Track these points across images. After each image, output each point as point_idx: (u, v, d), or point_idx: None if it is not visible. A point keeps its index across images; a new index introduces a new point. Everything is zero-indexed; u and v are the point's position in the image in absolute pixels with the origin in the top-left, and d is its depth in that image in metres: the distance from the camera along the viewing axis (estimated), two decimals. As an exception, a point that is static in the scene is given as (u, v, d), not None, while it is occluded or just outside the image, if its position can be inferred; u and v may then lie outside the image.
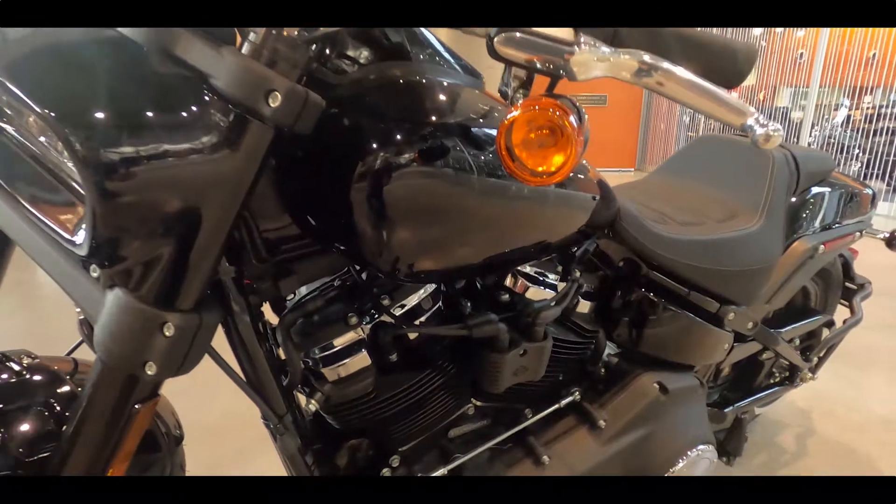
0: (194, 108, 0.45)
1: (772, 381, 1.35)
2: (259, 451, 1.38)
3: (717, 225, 1.02)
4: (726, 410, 1.18)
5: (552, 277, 0.79)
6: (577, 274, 0.81)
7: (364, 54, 0.59)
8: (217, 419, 1.52)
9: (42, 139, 0.47)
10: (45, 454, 0.56)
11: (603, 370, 0.94)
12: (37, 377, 0.63)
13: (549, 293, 0.78)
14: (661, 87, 0.52)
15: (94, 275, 0.48)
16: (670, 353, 0.95)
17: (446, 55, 0.64)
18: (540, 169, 0.53)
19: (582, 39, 0.52)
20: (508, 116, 0.52)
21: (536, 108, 0.51)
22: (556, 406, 0.85)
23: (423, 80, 0.58)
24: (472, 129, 0.60)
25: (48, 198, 0.51)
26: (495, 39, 0.52)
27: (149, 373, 0.48)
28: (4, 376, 0.62)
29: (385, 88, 0.57)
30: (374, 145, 0.54)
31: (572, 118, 0.52)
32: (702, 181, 1.18)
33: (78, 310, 0.58)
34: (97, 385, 0.50)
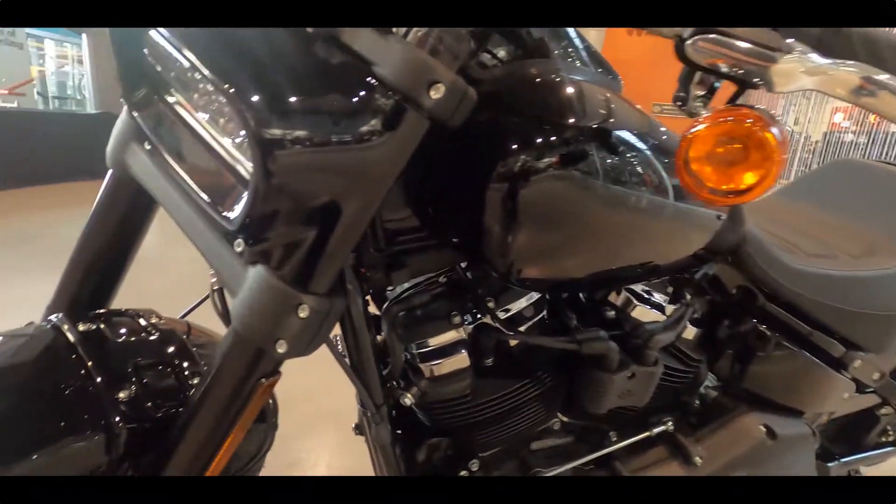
0: (356, 96, 0.45)
1: (885, 440, 1.16)
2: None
3: (853, 260, 0.93)
4: (830, 465, 1.04)
5: (659, 297, 0.75)
6: (689, 297, 0.77)
7: (506, 50, 0.58)
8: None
9: (204, 115, 0.49)
10: (171, 410, 0.60)
11: (698, 402, 0.87)
12: (163, 336, 0.67)
13: (656, 314, 0.73)
14: (880, 105, 0.43)
15: (238, 249, 0.48)
16: (778, 394, 0.87)
17: (585, 53, 0.62)
18: (726, 187, 0.48)
19: (791, 46, 0.45)
20: (696, 128, 0.47)
21: (730, 119, 0.46)
22: (647, 434, 0.80)
23: (564, 80, 0.55)
24: (610, 133, 0.57)
25: (204, 171, 0.51)
26: (688, 42, 0.46)
27: (278, 350, 0.49)
28: (137, 333, 0.66)
29: (526, 86, 0.55)
30: (515, 146, 0.53)
31: (774, 130, 0.45)
32: (835, 209, 1.05)
33: (213, 280, 0.62)
34: (228, 354, 0.52)
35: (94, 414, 0.57)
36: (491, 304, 0.67)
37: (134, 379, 0.61)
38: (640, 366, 0.72)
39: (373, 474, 0.78)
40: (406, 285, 0.69)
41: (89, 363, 0.60)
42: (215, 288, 0.62)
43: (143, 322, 0.68)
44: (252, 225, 0.46)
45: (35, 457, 0.53)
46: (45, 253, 2.54)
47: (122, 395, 0.59)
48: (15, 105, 6.68)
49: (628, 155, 0.58)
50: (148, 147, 0.58)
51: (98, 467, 0.56)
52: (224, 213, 0.48)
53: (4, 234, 2.75)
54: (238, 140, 0.47)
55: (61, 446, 0.54)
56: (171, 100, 0.53)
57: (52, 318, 0.66)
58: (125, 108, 0.58)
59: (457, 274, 0.69)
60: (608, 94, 0.59)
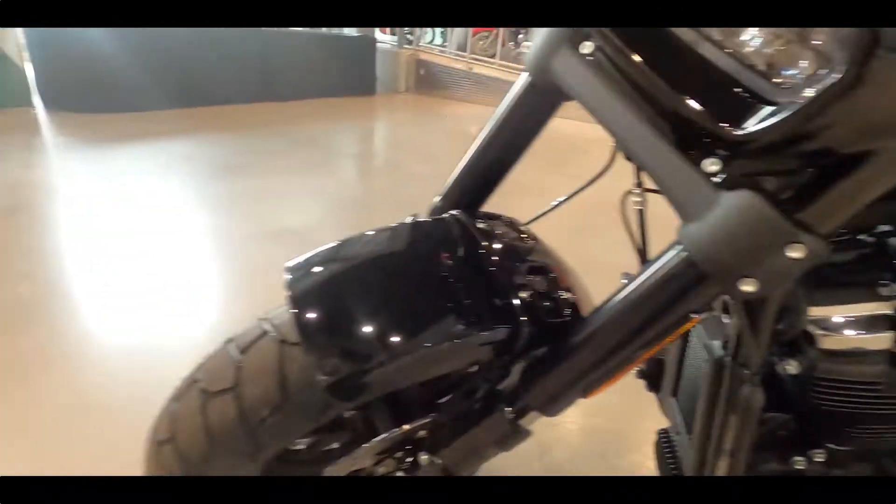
0: None
1: None
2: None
3: None
4: None
5: None
6: None
7: None
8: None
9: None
10: (564, 319, 0.62)
11: None
12: (538, 244, 0.70)
13: None
14: None
15: (713, 168, 0.44)
16: None
17: None
18: None
19: None
20: None
21: None
22: None
23: None
24: None
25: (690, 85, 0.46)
26: None
27: (742, 288, 0.44)
28: (517, 237, 0.69)
29: None
30: None
31: None
32: None
33: (636, 198, 0.62)
34: (667, 277, 0.50)
35: (503, 308, 0.60)
36: None
37: (531, 281, 0.63)
38: None
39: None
40: None
41: (496, 259, 0.62)
42: (637, 204, 0.61)
43: (515, 228, 0.70)
44: (765, 142, 0.41)
45: (444, 345, 0.57)
46: (326, 154, 3.27)
47: (523, 294, 0.61)
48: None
49: None
50: (586, 51, 0.53)
51: (497, 356, 0.60)
52: (718, 125, 0.44)
53: (293, 137, 3.42)
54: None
55: (468, 334, 0.58)
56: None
57: (452, 213, 0.70)
58: None
59: (889, 235, 0.59)
60: None
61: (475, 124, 4.30)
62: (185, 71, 3.80)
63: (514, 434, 0.67)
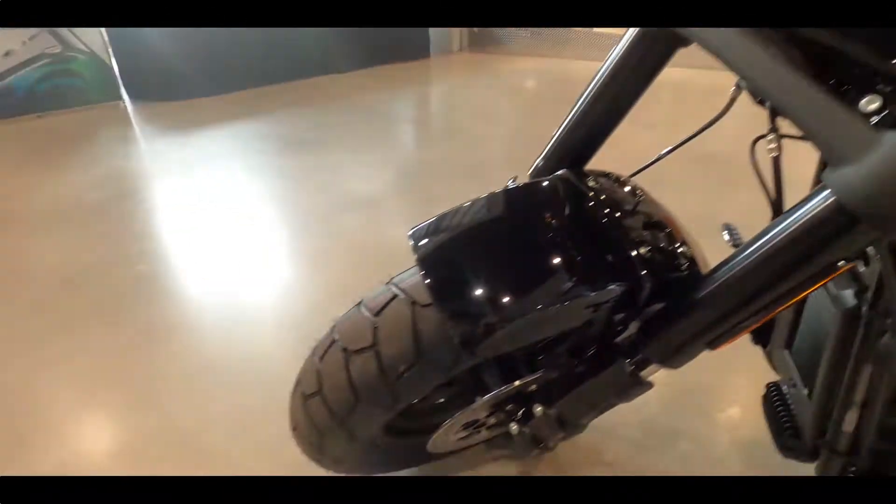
0: None
1: None
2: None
3: None
4: None
5: None
6: None
7: None
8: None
9: None
10: (684, 272, 0.64)
11: None
12: (647, 200, 0.71)
13: None
14: None
15: (871, 107, 0.43)
16: None
17: None
18: None
19: None
20: None
21: None
22: None
23: None
24: None
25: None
26: None
27: None
28: (623, 193, 0.70)
29: None
30: None
31: None
32: None
33: (771, 144, 0.59)
34: (818, 222, 0.47)
35: (624, 265, 0.63)
36: None
37: (647, 236, 0.65)
38: None
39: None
40: None
41: (611, 216, 0.64)
42: (773, 152, 0.58)
43: (624, 184, 0.72)
44: None
45: (571, 302, 0.59)
46: (388, 122, 3.38)
47: (642, 249, 0.64)
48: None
49: None
50: None
51: (618, 308, 0.63)
52: (881, 58, 0.41)
53: (355, 108, 3.56)
54: None
55: (592, 291, 0.60)
56: None
57: (559, 173, 0.73)
58: None
59: None
60: None
61: (534, 79, 4.15)
62: (249, 53, 3.94)
63: (634, 386, 0.70)
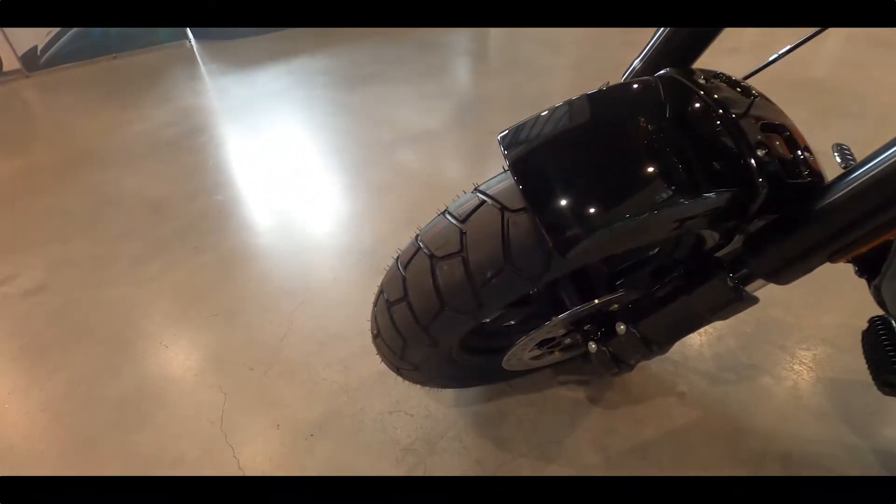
0: None
1: None
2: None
3: None
4: None
5: None
6: None
7: None
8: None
9: None
10: (805, 180, 0.59)
11: None
12: (763, 100, 0.66)
13: None
14: None
15: None
16: None
17: None
18: None
19: None
20: None
21: None
22: None
23: None
24: None
25: None
26: None
27: None
28: (738, 94, 0.65)
29: None
30: None
31: None
32: None
33: None
34: None
35: (737, 168, 0.58)
36: None
37: (765, 139, 0.61)
38: None
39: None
40: None
41: (725, 116, 0.59)
42: None
43: (737, 84, 0.67)
44: None
45: (673, 208, 0.56)
46: (450, 55, 3.31)
47: (759, 153, 0.59)
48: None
49: None
50: None
51: (733, 215, 0.59)
52: None
53: (416, 42, 3.50)
54: None
55: (699, 196, 0.57)
56: None
57: (665, 71, 0.69)
58: None
59: None
60: None
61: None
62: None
63: (737, 300, 0.67)
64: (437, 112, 2.55)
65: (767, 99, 0.69)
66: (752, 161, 0.59)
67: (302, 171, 2.17)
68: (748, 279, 0.65)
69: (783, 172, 0.60)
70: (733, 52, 2.72)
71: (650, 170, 0.59)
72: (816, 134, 2.00)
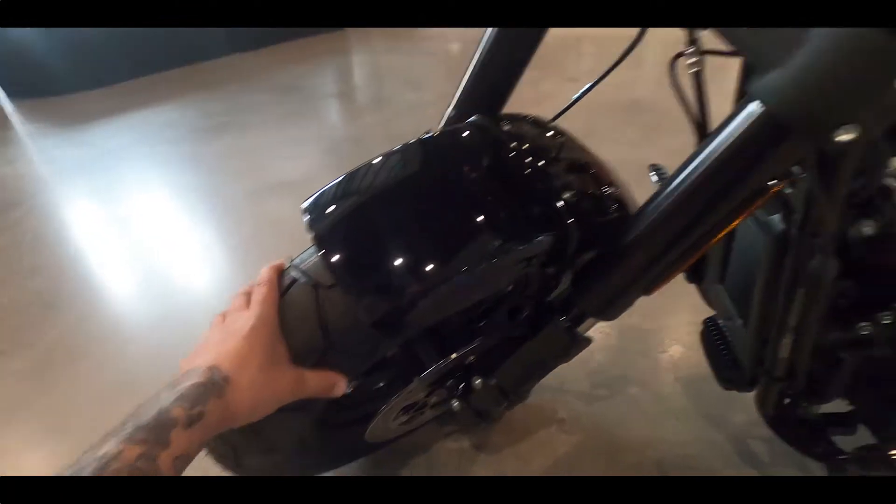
0: None
1: None
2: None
3: None
4: None
5: None
6: None
7: None
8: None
9: None
10: (613, 216, 0.59)
11: None
12: (570, 141, 0.66)
13: None
14: None
15: None
16: None
17: None
18: None
19: None
20: None
21: None
22: None
23: None
24: None
25: None
26: None
27: (840, 138, 0.37)
28: (545, 137, 0.64)
29: None
30: None
31: None
32: None
33: (690, 60, 0.54)
34: (745, 139, 0.42)
35: (546, 214, 0.57)
36: None
37: (572, 180, 0.59)
38: None
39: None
40: None
41: (530, 161, 0.58)
42: (692, 67, 0.54)
43: (543, 126, 0.66)
44: None
45: (486, 265, 0.54)
46: (309, 98, 3.13)
47: (566, 195, 0.58)
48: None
49: None
50: None
51: (550, 261, 0.57)
52: None
53: (272, 86, 3.29)
54: None
55: (510, 249, 0.54)
56: None
57: (470, 119, 0.65)
58: None
59: None
60: None
61: (457, 41, 4.03)
62: (148, 34, 3.56)
63: (573, 343, 0.66)
64: (302, 158, 2.44)
65: (573, 139, 0.71)
66: (560, 204, 0.59)
67: (148, 238, 1.93)
68: (580, 319, 0.65)
69: (592, 211, 0.61)
70: (572, 80, 2.98)
71: (461, 228, 0.57)
72: (646, 152, 2.28)
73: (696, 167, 0.49)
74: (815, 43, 0.36)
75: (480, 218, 0.56)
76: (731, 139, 0.45)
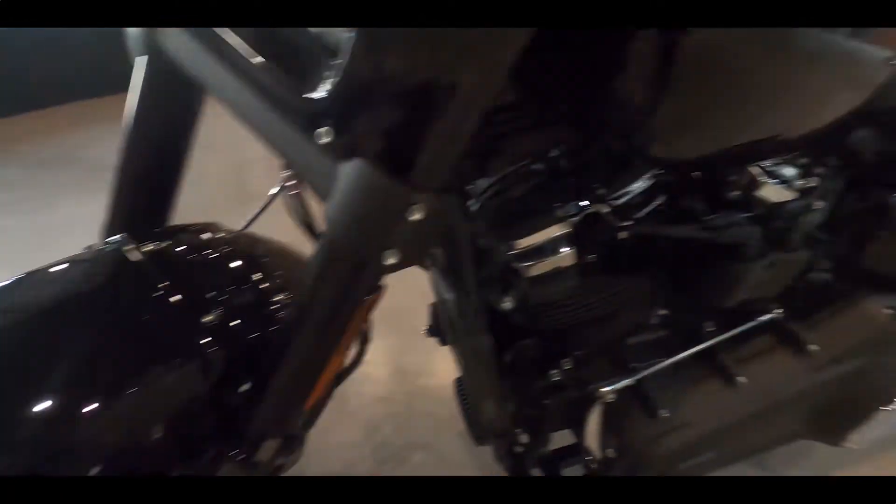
0: None
1: None
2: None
3: None
4: None
5: (789, 172, 0.65)
6: (827, 169, 0.67)
7: None
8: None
9: None
10: (263, 332, 0.56)
11: (807, 286, 0.78)
12: (235, 251, 0.61)
13: (787, 193, 0.63)
14: None
15: (324, 141, 0.39)
16: None
17: None
18: None
19: None
20: None
21: None
22: (754, 323, 0.72)
23: None
24: None
25: (276, 41, 0.45)
26: None
27: (388, 261, 0.41)
28: (207, 249, 0.59)
29: None
30: None
31: None
32: None
33: (283, 182, 0.55)
34: (324, 269, 0.44)
35: (182, 340, 0.51)
36: (601, 192, 0.59)
37: (216, 299, 0.55)
38: (781, 253, 0.65)
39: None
40: (494, 178, 0.60)
41: (164, 286, 0.52)
42: (290, 191, 0.54)
43: (209, 237, 0.61)
44: (344, 103, 0.38)
45: (129, 392, 0.46)
46: (90, 170, 2.38)
47: (207, 317, 0.53)
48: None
49: None
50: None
51: (197, 397, 0.51)
52: (305, 95, 0.40)
53: (49, 154, 2.58)
54: None
55: (152, 379, 0.48)
56: None
57: (113, 239, 0.57)
58: None
59: (557, 160, 0.60)
60: None
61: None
62: None
63: (262, 470, 0.55)
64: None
65: (248, 237, 0.65)
66: (195, 329, 0.51)
67: None
68: (257, 445, 0.54)
69: (240, 330, 0.55)
70: (208, 148, 2.33)
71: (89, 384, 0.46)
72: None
73: (301, 297, 0.48)
74: (343, 181, 0.40)
75: (113, 363, 0.47)
76: (313, 273, 0.46)
